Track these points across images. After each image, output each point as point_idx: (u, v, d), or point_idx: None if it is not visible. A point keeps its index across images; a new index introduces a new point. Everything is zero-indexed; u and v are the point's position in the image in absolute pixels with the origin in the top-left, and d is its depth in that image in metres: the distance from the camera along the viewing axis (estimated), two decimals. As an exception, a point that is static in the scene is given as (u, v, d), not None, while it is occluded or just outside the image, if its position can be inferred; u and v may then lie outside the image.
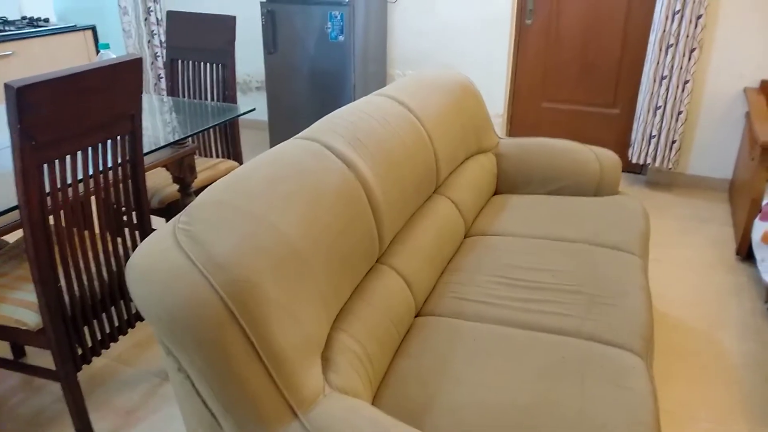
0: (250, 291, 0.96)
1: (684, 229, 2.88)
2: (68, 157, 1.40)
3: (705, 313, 2.21)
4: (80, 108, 1.36)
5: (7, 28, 3.04)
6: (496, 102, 3.62)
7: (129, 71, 1.46)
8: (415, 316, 1.52)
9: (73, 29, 3.23)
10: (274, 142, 3.67)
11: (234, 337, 0.93)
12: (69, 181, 1.43)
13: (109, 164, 1.54)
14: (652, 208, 3.13)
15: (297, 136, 1.52)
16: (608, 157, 2.22)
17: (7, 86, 1.20)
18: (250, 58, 4.10)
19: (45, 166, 1.34)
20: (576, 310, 1.46)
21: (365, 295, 1.34)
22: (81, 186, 1.48)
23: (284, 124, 3.59)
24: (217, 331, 0.92)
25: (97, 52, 3.34)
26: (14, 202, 1.36)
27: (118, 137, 1.53)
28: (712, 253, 2.65)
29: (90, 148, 1.45)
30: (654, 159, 3.25)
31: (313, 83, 3.41)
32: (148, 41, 4.30)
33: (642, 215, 2.02)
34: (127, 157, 1.60)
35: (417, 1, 3.60)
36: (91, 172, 1.49)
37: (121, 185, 1.61)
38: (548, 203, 2.11)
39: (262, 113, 4.19)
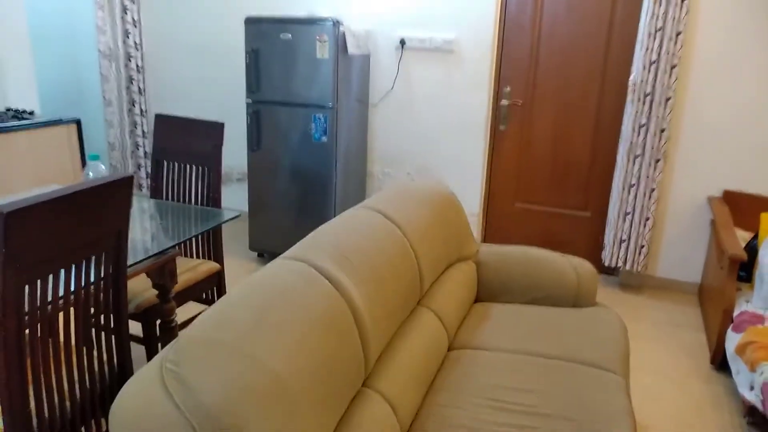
0: (239, 440, 0.93)
1: (658, 335, 2.92)
2: (50, 276, 1.38)
3: (686, 428, 2.20)
4: (68, 228, 1.36)
5: (-10, 120, 3.05)
6: (472, 202, 3.72)
7: (119, 190, 1.47)
8: (400, 443, 1.48)
9: (58, 122, 3.26)
10: (252, 233, 3.67)
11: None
12: (50, 298, 1.40)
13: (92, 279, 1.51)
14: (626, 310, 3.18)
15: (285, 255, 1.53)
16: (585, 268, 2.28)
17: (-4, 211, 1.19)
18: (232, 151, 4.17)
19: (26, 286, 1.31)
20: (563, 438, 1.45)
21: (351, 428, 1.31)
22: (60, 300, 1.44)
23: (264, 216, 3.61)
24: (204, 486, 0.88)
25: (81, 146, 3.36)
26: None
27: (104, 253, 1.51)
28: (687, 361, 2.68)
29: (74, 265, 1.43)
30: (625, 262, 3.35)
31: (295, 180, 3.47)
32: (130, 130, 4.36)
33: (621, 330, 2.05)
34: (110, 271, 1.58)
35: (397, 105, 3.76)
36: (72, 288, 1.46)
37: (101, 296, 1.58)
38: (529, 314, 2.13)
39: (242, 203, 4.21)
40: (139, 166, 4.47)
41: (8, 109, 3.40)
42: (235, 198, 4.31)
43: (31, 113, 3.38)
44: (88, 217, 1.41)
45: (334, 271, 1.46)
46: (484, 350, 1.90)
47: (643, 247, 3.29)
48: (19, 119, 3.17)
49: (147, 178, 4.49)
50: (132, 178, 1.51)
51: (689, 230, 3.31)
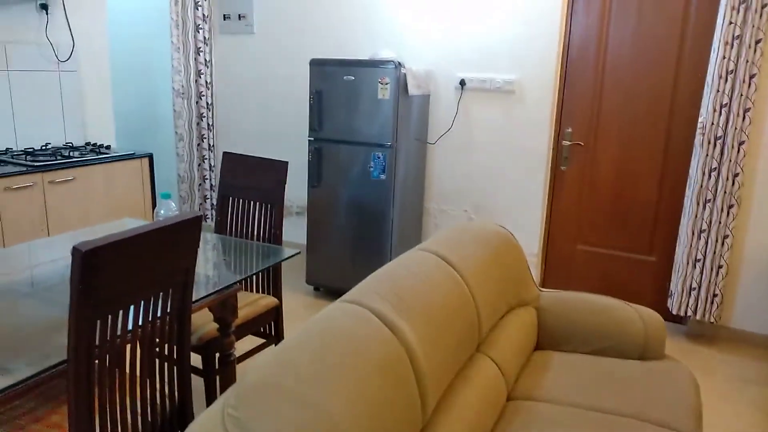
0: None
1: (731, 392, 2.73)
2: (121, 311, 1.43)
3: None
4: (140, 266, 1.41)
5: (72, 154, 3.25)
6: (531, 242, 3.65)
7: (189, 229, 1.53)
8: (456, 497, 1.43)
9: (131, 156, 3.44)
10: (310, 267, 3.72)
11: None
12: (119, 332, 1.45)
13: (159, 313, 1.57)
14: (695, 363, 3.00)
15: (343, 298, 1.53)
16: (652, 318, 2.17)
17: (74, 249, 1.25)
18: (293, 185, 4.27)
19: (98, 321, 1.37)
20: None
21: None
22: (128, 334, 1.49)
23: (322, 250, 3.66)
24: None
25: (152, 179, 3.52)
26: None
27: (171, 289, 1.56)
28: (764, 422, 2.49)
29: (143, 301, 1.49)
30: (695, 311, 3.18)
31: (353, 215, 3.51)
32: (198, 163, 4.55)
33: (692, 387, 1.94)
34: (176, 305, 1.63)
35: (455, 144, 3.76)
36: (140, 322, 1.51)
37: (167, 329, 1.63)
38: (593, 366, 2.05)
39: (300, 236, 4.30)
40: (205, 198, 4.64)
41: (87, 143, 3.62)
42: (293, 231, 4.40)
43: (108, 147, 3.59)
44: (159, 256, 1.46)
45: (392, 316, 1.45)
46: (545, 402, 1.83)
47: (716, 296, 3.12)
48: (97, 153, 3.36)
49: (212, 209, 4.65)
50: (201, 218, 1.57)
51: (766, 279, 3.11)
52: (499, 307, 2.04)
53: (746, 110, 2.88)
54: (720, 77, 2.89)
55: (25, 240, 2.87)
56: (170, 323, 1.64)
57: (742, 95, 2.87)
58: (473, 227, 2.19)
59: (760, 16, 2.78)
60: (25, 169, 2.90)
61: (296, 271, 4.08)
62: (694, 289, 3.15)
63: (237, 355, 2.32)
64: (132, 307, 1.47)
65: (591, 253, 3.61)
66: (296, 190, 4.32)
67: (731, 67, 2.85)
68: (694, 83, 3.15)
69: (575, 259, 3.66)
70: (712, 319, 3.15)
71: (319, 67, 3.43)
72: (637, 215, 3.44)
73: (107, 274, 1.33)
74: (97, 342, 1.39)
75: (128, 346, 1.52)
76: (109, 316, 1.40)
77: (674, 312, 3.24)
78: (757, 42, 2.80)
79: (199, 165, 4.56)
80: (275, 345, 2.61)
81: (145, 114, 5.04)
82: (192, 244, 1.56)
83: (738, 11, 2.80)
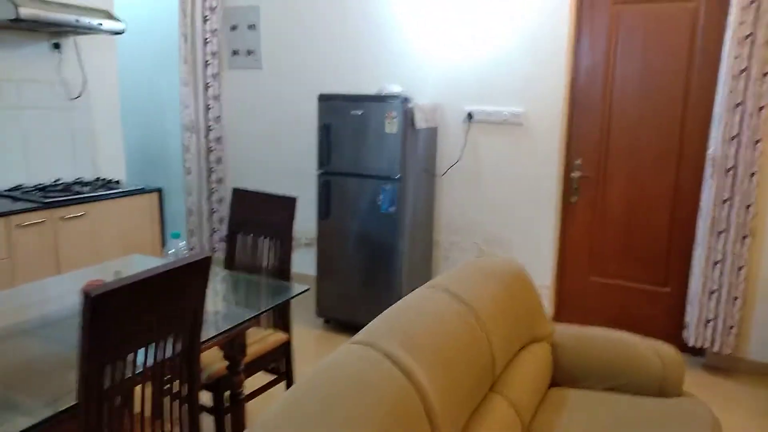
0: None
1: (749, 428, 2.66)
2: (130, 354, 1.41)
3: None
4: (148, 309, 1.40)
5: (82, 189, 3.27)
6: (543, 273, 3.61)
7: (197, 271, 1.52)
8: None
9: (141, 191, 3.46)
10: (320, 299, 3.69)
11: None
12: (127, 374, 1.43)
13: (168, 355, 1.55)
14: (714, 397, 2.93)
15: (353, 340, 1.51)
16: (670, 354, 2.13)
17: (84, 294, 1.24)
18: (302, 217, 4.27)
19: (108, 366, 1.35)
20: None
21: None
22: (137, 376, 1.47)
23: (332, 282, 3.64)
24: None
25: (161, 213, 3.53)
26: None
27: (180, 331, 1.55)
28: (790, 460, 2.42)
29: (152, 344, 1.47)
30: (712, 343, 3.11)
31: (363, 248, 3.50)
32: (207, 197, 4.56)
33: (713, 425, 1.88)
34: (186, 346, 1.61)
35: (464, 176, 3.76)
36: (150, 363, 1.49)
37: (176, 369, 1.61)
38: (610, 403, 2.00)
39: (309, 267, 4.28)
40: (213, 231, 4.64)
41: (98, 179, 3.64)
42: (302, 262, 4.38)
43: (118, 182, 3.61)
44: (168, 298, 1.45)
45: (404, 358, 1.42)
46: (562, 444, 1.78)
47: (732, 327, 3.06)
48: (107, 188, 3.38)
49: (221, 241, 4.65)
50: (210, 259, 1.56)
51: (783, 311, 3.06)
52: (513, 345, 2.00)
53: (756, 142, 2.86)
54: (728, 110, 2.88)
55: (36, 277, 2.86)
56: (180, 363, 1.61)
57: (751, 127, 2.86)
58: (485, 264, 2.17)
59: (766, 49, 2.79)
60: (36, 205, 2.92)
61: (306, 302, 4.05)
62: (710, 320, 3.09)
63: (247, 393, 2.28)
64: (141, 350, 1.45)
65: (604, 284, 3.57)
66: (305, 222, 4.32)
67: (739, 99, 2.85)
68: (702, 115, 3.15)
69: (588, 290, 3.62)
70: (729, 351, 3.08)
71: (327, 102, 3.46)
72: (649, 246, 3.40)
73: (116, 318, 1.32)
74: (106, 386, 1.37)
75: (138, 387, 1.50)
76: (118, 360, 1.38)
77: (690, 344, 3.18)
78: (764, 75, 2.80)
79: (208, 198, 4.58)
80: (285, 385, 2.57)
81: (154, 148, 5.09)
82: (201, 285, 1.55)
83: (743, 45, 2.81)
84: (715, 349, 3.11)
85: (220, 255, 4.59)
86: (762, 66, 2.80)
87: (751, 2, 2.76)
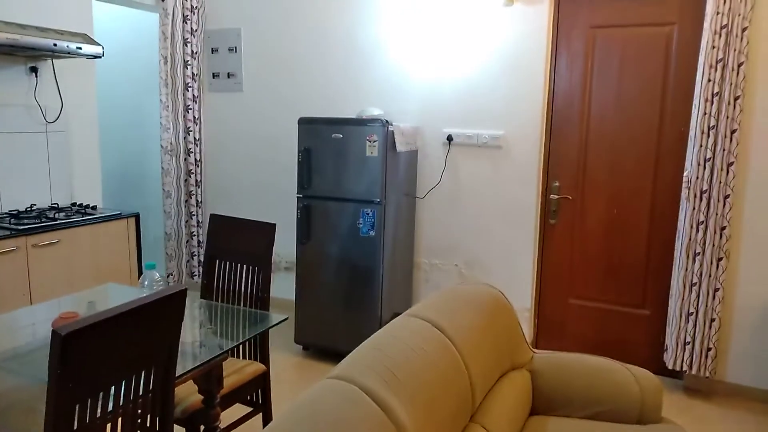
0: None
1: (733, 450, 2.67)
2: (101, 393, 1.38)
3: None
4: (121, 346, 1.37)
5: (57, 215, 3.21)
6: (523, 296, 3.62)
7: (172, 305, 1.49)
8: None
9: (118, 217, 3.41)
10: (299, 325, 3.65)
11: None
12: (98, 413, 1.39)
13: (140, 392, 1.51)
14: (694, 420, 2.94)
15: (331, 375, 1.48)
16: (649, 380, 2.13)
17: (54, 333, 1.21)
18: (282, 240, 4.23)
19: (77, 405, 1.31)
20: None
21: None
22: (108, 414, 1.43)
23: (311, 307, 3.61)
24: None
25: (138, 240, 3.48)
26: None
27: (153, 367, 1.51)
28: (769, 484, 2.43)
29: (124, 381, 1.43)
30: (690, 366, 3.13)
31: (343, 272, 3.48)
32: (186, 220, 4.51)
33: (692, 453, 1.88)
34: (160, 382, 1.57)
35: (444, 198, 3.78)
36: (121, 401, 1.45)
37: (149, 404, 1.57)
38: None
39: (288, 292, 4.22)
40: (192, 255, 4.58)
41: (73, 204, 3.59)
42: (282, 286, 4.33)
43: (94, 208, 3.55)
44: (142, 333, 1.42)
45: (382, 393, 1.41)
46: (543, 475, 1.76)
47: (710, 350, 3.08)
48: (83, 214, 3.33)
49: (199, 266, 4.59)
50: (185, 292, 1.53)
51: (760, 332, 3.09)
52: (494, 374, 1.99)
53: (729, 164, 2.92)
54: (702, 132, 2.94)
55: (7, 307, 2.79)
56: (153, 399, 1.58)
57: (724, 150, 2.92)
58: (464, 291, 2.16)
59: (737, 74, 2.86)
60: (8, 232, 2.85)
61: (285, 329, 4.00)
62: (689, 343, 3.12)
63: (222, 426, 2.24)
64: (113, 387, 1.41)
65: (583, 307, 3.58)
66: (286, 245, 4.28)
67: (712, 123, 2.91)
68: (677, 138, 3.21)
69: (568, 313, 3.63)
70: (708, 374, 3.11)
71: (307, 125, 3.46)
72: (628, 268, 3.43)
73: (88, 356, 1.29)
74: (75, 426, 1.33)
75: (109, 425, 1.45)
76: (89, 399, 1.35)
77: (670, 367, 3.19)
78: (736, 99, 2.87)
79: (187, 222, 4.53)
80: (262, 418, 2.52)
81: (132, 171, 5.04)
82: (176, 319, 1.52)
83: (716, 69, 2.87)
84: (694, 371, 3.13)
85: (198, 279, 4.52)
86: (734, 90, 2.87)
87: (722, 27, 2.83)
